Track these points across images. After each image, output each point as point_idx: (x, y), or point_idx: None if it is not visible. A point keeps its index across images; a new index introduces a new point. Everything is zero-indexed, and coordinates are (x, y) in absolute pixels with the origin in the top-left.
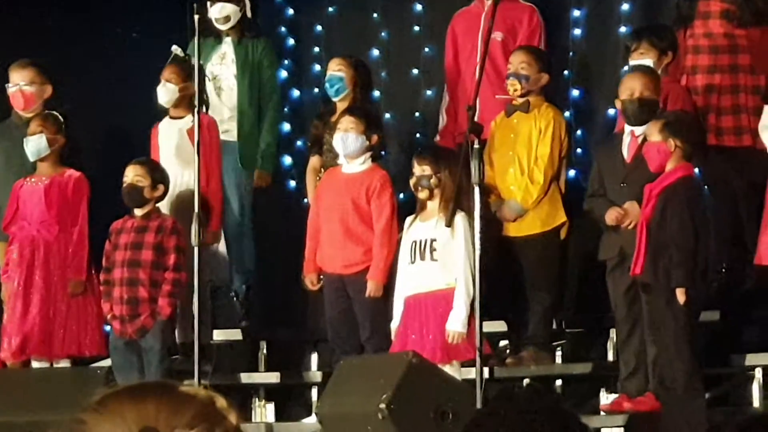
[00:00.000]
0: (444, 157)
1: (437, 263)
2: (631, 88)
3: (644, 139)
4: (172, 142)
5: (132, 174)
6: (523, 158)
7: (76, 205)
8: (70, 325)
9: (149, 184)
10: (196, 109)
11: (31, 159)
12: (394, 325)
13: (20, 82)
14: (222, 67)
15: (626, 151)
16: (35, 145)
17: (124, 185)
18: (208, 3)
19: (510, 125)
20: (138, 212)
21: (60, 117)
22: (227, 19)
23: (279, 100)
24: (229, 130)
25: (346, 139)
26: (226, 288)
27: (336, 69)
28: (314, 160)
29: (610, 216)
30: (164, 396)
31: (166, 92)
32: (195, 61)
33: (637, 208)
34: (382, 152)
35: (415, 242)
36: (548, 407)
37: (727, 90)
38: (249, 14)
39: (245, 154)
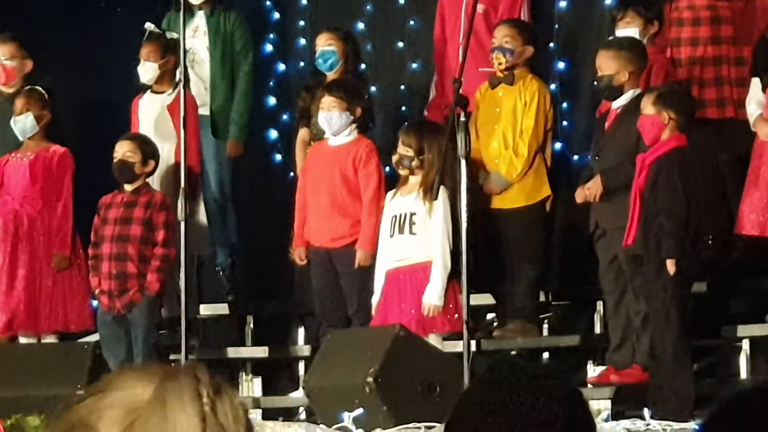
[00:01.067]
0: (429, 135)
1: (416, 236)
2: (598, 65)
3: (623, 111)
4: (153, 116)
5: (122, 150)
6: (507, 131)
7: (61, 179)
8: (56, 300)
9: (140, 159)
10: (181, 84)
11: (20, 138)
12: (375, 299)
13: (0, 56)
14: (195, 40)
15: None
16: (23, 124)
17: (115, 160)
18: None
19: (495, 98)
20: (128, 187)
21: (44, 92)
22: None
23: (251, 70)
24: (204, 104)
25: (330, 118)
26: (211, 262)
27: (327, 44)
28: (303, 133)
29: (578, 196)
30: (166, 375)
31: (146, 71)
32: (177, 35)
33: (599, 183)
34: (369, 124)
35: (395, 216)
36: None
37: (710, 62)
38: None
39: (219, 126)
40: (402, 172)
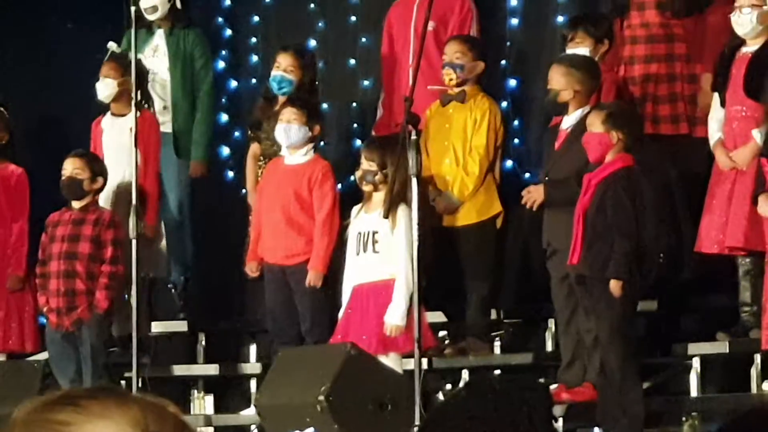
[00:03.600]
0: (391, 150)
1: (379, 254)
2: (549, 78)
3: (573, 130)
4: (114, 140)
5: (71, 167)
6: (458, 149)
7: (19, 200)
8: (9, 321)
9: (88, 176)
10: (133, 102)
11: None
12: (341, 313)
13: None
14: (155, 60)
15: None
16: None
17: (63, 177)
18: None
19: (445, 115)
20: (76, 204)
21: (3, 111)
22: (155, 9)
23: (211, 90)
24: (165, 122)
25: (289, 130)
26: (163, 279)
27: (288, 69)
28: (254, 147)
29: (523, 193)
30: (140, 402)
31: (104, 87)
32: (132, 54)
33: (542, 191)
34: (321, 142)
35: (360, 233)
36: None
37: (664, 79)
38: (179, 5)
39: (181, 145)
40: (365, 187)
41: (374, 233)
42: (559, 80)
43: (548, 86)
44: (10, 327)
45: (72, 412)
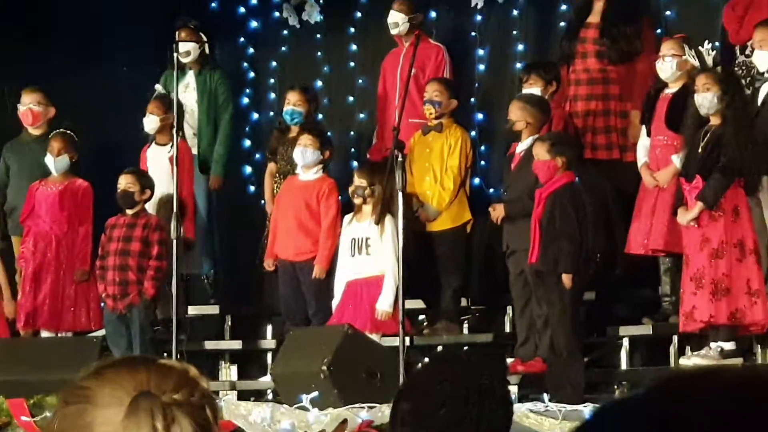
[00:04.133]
0: (378, 172)
1: (371, 256)
2: (509, 110)
3: (525, 154)
4: (158, 165)
5: (124, 181)
6: (436, 169)
7: (85, 209)
8: (79, 305)
9: (138, 189)
10: (178, 136)
11: (56, 174)
12: (335, 303)
13: (30, 102)
14: (186, 94)
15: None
16: (61, 164)
17: (118, 190)
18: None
19: (426, 142)
20: (129, 211)
21: (74, 136)
22: (188, 53)
23: (230, 120)
24: (193, 146)
25: (305, 152)
26: (198, 273)
27: (297, 103)
28: (271, 166)
29: (491, 209)
30: (151, 366)
31: (150, 122)
32: (175, 95)
33: (502, 210)
34: (329, 164)
35: (354, 239)
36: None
37: (601, 114)
38: (207, 51)
39: (203, 163)
40: (356, 200)
41: (367, 239)
42: (516, 113)
43: (508, 116)
44: (78, 310)
45: (93, 379)
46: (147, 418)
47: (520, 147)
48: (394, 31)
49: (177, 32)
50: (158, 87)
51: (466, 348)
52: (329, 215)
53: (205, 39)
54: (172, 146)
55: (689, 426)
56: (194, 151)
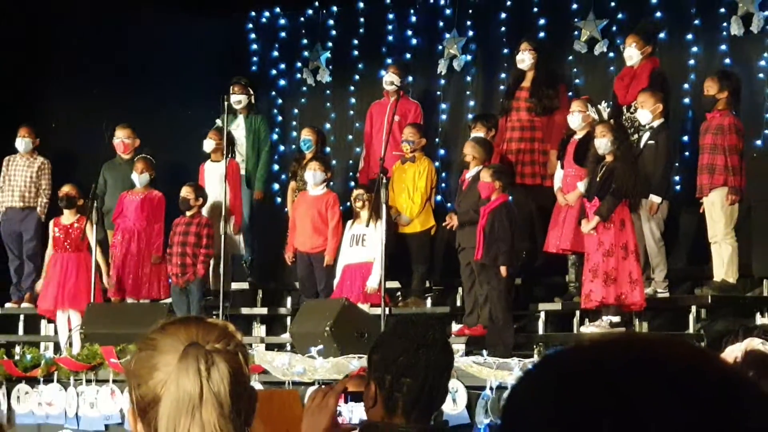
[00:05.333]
0: (370, 189)
1: (365, 248)
2: (463, 150)
3: (473, 179)
4: (212, 178)
5: (184, 191)
6: (410, 188)
7: (159, 212)
8: (152, 280)
9: (194, 197)
10: (227, 157)
11: (139, 186)
12: (336, 281)
13: (122, 136)
14: (237, 131)
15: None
16: (143, 179)
17: (181, 198)
18: (232, 94)
19: (403, 169)
20: (187, 213)
21: (152, 159)
22: (239, 102)
23: (268, 150)
24: (241, 168)
25: (315, 174)
26: (239, 258)
27: (308, 135)
28: (292, 185)
29: (447, 218)
30: (200, 323)
31: (208, 144)
32: (224, 128)
33: (455, 218)
34: (331, 182)
35: (354, 235)
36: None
37: (528, 152)
38: (253, 101)
39: (249, 181)
40: (357, 206)
41: (363, 235)
42: (467, 150)
43: (462, 153)
44: (152, 284)
45: (158, 332)
46: (194, 361)
47: (469, 174)
48: (388, 88)
49: (232, 86)
50: (218, 122)
51: (416, 314)
52: (334, 219)
53: (252, 92)
54: (222, 161)
55: (600, 382)
56: (242, 171)
